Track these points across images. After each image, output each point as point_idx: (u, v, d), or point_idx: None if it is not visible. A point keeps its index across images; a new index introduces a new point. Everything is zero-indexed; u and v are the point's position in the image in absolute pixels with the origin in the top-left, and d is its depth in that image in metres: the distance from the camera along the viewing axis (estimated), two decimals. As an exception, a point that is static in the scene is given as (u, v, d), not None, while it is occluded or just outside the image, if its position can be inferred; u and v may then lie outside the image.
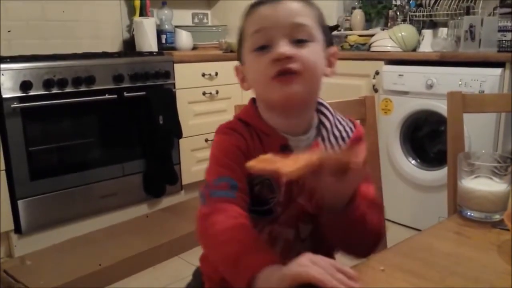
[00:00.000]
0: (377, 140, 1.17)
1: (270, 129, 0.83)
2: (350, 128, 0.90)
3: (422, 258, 0.75)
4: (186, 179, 2.80)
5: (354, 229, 0.77)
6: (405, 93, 2.42)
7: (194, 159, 2.83)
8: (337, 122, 0.89)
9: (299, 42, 0.79)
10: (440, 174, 2.31)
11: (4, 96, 2.08)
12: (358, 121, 0.95)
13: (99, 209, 2.44)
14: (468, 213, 0.92)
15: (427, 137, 2.51)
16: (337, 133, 0.87)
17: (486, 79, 2.13)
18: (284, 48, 0.77)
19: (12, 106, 2.09)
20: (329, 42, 0.86)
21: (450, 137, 1.21)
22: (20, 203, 2.17)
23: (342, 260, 0.71)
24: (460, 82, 2.20)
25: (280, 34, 0.78)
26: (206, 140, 2.85)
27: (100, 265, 2.02)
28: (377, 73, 2.55)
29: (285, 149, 0.82)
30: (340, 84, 2.78)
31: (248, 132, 0.83)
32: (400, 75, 2.42)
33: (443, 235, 0.86)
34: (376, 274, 0.69)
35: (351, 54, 2.77)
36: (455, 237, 0.86)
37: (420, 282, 0.67)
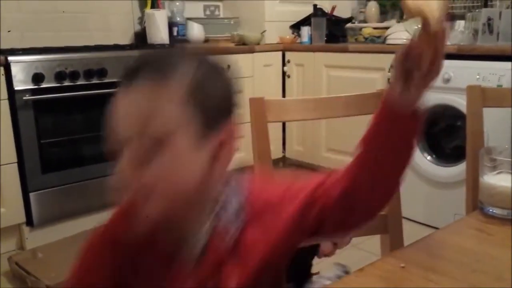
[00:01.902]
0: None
1: None
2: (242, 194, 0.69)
3: (443, 255, 0.73)
4: (197, 173, 2.79)
5: (402, 148, 0.65)
6: (421, 87, 2.37)
7: (206, 153, 2.81)
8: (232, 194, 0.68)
9: (150, 149, 0.58)
10: (456, 170, 2.27)
11: (16, 88, 2.08)
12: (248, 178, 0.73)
13: (111, 202, 2.44)
14: (490, 210, 0.89)
15: (444, 133, 2.46)
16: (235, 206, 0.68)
17: (504, 73, 2.09)
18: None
19: (24, 98, 2.09)
20: (222, 116, 0.63)
21: (469, 132, 1.18)
22: (32, 195, 2.18)
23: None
24: (477, 76, 2.15)
25: (123, 142, 0.60)
26: (218, 134, 2.83)
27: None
28: (392, 66, 2.50)
29: None
30: (354, 78, 2.75)
31: None
32: (415, 68, 2.37)
33: (464, 232, 0.84)
34: (396, 271, 0.67)
35: (365, 47, 2.73)
36: (476, 234, 0.83)
37: (442, 279, 0.65)
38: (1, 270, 2.07)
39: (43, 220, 2.23)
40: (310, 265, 1.75)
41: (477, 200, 0.94)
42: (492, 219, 0.87)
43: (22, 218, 2.19)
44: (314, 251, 1.71)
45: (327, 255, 1.73)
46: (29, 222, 2.20)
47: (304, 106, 1.06)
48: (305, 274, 1.78)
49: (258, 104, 1.00)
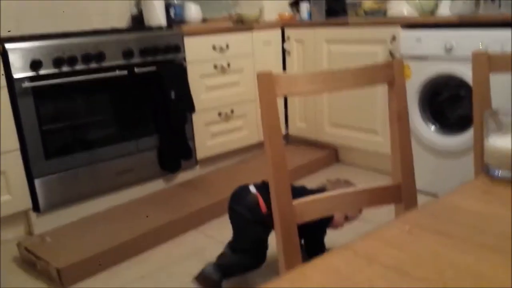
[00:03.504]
0: (406, 104, 1.12)
1: None
2: None
3: (449, 218, 0.72)
4: (200, 153, 2.79)
5: None
6: (424, 57, 2.34)
7: (208, 133, 2.81)
8: None
9: None
10: (460, 139, 2.26)
11: (14, 76, 2.07)
12: None
13: (115, 186, 2.45)
14: (495, 172, 0.88)
15: (447, 102, 2.44)
16: None
17: (507, 41, 2.05)
18: None
19: (23, 85, 2.08)
20: None
21: (476, 99, 1.16)
22: (37, 181, 2.18)
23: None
24: (480, 45, 2.12)
25: None
26: (219, 114, 2.82)
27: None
28: (393, 38, 2.48)
29: None
30: (356, 51, 2.72)
31: None
32: (417, 39, 2.34)
33: (470, 195, 0.83)
34: (403, 234, 0.66)
35: (366, 20, 2.69)
36: (482, 196, 0.82)
37: (449, 241, 0.64)
38: (11, 256, 2.10)
39: (49, 205, 2.24)
40: (324, 233, 1.81)
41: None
42: (498, 181, 0.86)
43: (28, 204, 2.20)
44: (327, 222, 1.75)
45: (336, 227, 1.78)
46: (36, 207, 2.22)
47: (313, 79, 1.05)
48: (319, 242, 1.83)
49: (266, 79, 0.99)
